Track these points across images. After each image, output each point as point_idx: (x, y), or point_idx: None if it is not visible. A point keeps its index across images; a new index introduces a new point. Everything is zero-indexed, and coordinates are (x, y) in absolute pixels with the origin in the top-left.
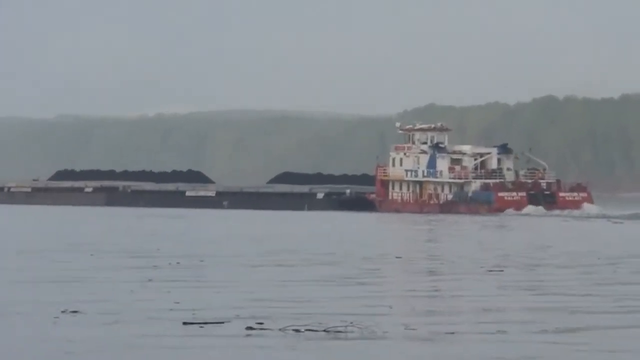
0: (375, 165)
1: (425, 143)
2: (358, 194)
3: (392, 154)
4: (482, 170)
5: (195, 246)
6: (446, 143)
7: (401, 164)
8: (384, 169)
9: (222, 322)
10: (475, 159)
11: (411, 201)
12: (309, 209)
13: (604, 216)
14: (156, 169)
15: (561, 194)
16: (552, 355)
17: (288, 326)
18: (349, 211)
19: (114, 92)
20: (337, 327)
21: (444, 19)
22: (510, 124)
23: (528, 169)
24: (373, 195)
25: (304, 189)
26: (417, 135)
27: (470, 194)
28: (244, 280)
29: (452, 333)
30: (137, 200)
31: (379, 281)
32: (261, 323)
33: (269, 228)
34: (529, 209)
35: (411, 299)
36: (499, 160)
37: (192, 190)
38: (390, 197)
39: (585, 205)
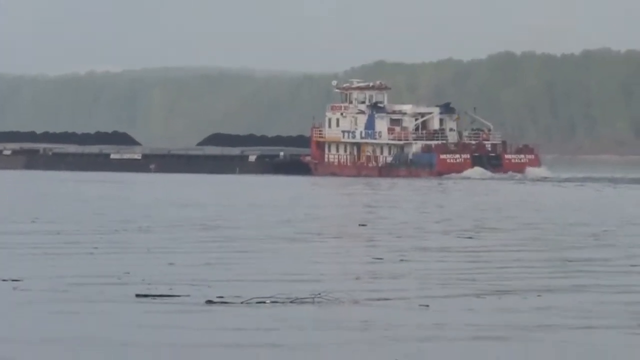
0: (311, 126)
1: (363, 102)
2: (292, 156)
3: (328, 114)
4: (424, 131)
5: (133, 212)
6: (385, 102)
7: (338, 125)
8: (320, 130)
9: (179, 295)
10: (416, 119)
11: (348, 164)
12: (241, 172)
13: (550, 179)
14: (86, 130)
15: (507, 156)
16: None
17: (251, 298)
18: (282, 174)
19: (41, 49)
20: (304, 298)
21: None
22: (464, 82)
23: (472, 130)
24: (308, 158)
25: (235, 151)
26: (355, 95)
27: (410, 157)
28: (192, 248)
29: (427, 305)
30: (58, 164)
31: (339, 249)
32: (221, 297)
33: (203, 193)
34: (473, 171)
35: (378, 268)
36: (441, 121)
37: (117, 153)
38: (326, 160)
39: (532, 168)
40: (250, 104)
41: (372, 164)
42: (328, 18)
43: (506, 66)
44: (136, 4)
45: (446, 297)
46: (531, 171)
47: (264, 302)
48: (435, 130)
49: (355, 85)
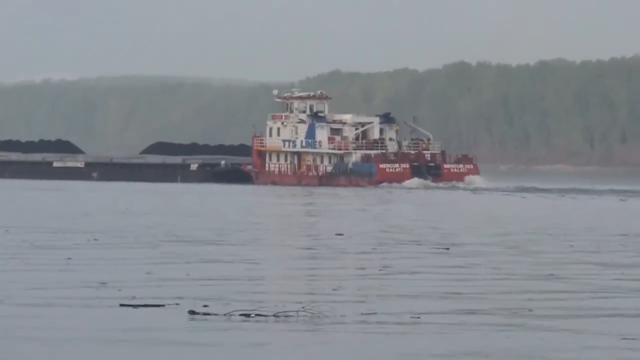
0: (252, 135)
1: (304, 112)
2: (234, 165)
3: (269, 123)
4: (364, 141)
5: (96, 220)
6: (326, 112)
7: (279, 134)
8: (261, 139)
9: (163, 305)
10: (357, 129)
11: (289, 173)
12: (182, 180)
13: (488, 189)
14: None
15: (446, 166)
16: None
17: (235, 310)
18: (223, 183)
19: None
20: (288, 311)
21: None
22: (419, 91)
23: (412, 140)
24: (249, 167)
25: (177, 159)
26: (296, 104)
27: (350, 166)
28: (170, 258)
29: (418, 317)
30: (1, 172)
31: (316, 259)
32: (206, 306)
33: (151, 201)
34: (412, 181)
35: (359, 279)
36: (381, 130)
37: (59, 161)
38: (267, 169)
39: (471, 177)
40: (207, 113)
41: (313, 173)
42: (285, 27)
43: (462, 76)
44: (93, 12)
45: (438, 308)
46: (471, 180)
47: (249, 315)
48: (375, 140)
49: (296, 94)
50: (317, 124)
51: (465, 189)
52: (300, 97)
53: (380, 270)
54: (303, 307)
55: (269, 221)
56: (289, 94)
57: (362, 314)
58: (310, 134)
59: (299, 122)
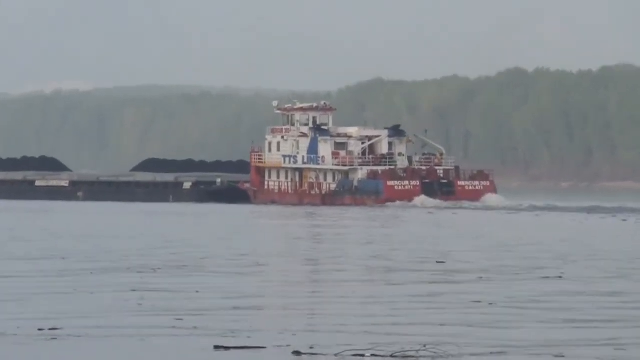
0: (249, 150)
1: (306, 125)
2: (230, 183)
3: (269, 138)
4: (371, 156)
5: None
6: (330, 124)
7: (278, 149)
8: (260, 155)
9: (265, 347)
10: (363, 143)
11: (290, 191)
12: (175, 200)
13: (506, 208)
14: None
15: (460, 183)
16: None
17: (345, 350)
18: (219, 203)
19: (4, 65)
20: (406, 350)
21: None
22: (470, 101)
23: (423, 155)
24: (247, 185)
25: (169, 177)
26: (297, 116)
27: (356, 183)
28: (246, 289)
29: (562, 356)
30: None
31: (424, 290)
32: (311, 347)
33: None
34: (421, 199)
35: (478, 313)
36: (390, 145)
37: (42, 180)
38: (266, 187)
39: (487, 195)
40: (232, 126)
41: (315, 191)
42: (322, 33)
43: (517, 84)
44: (108, 18)
45: (583, 343)
46: (488, 199)
47: (363, 355)
48: (383, 155)
49: (298, 106)
50: (320, 138)
51: (475, 209)
52: (302, 109)
53: (491, 304)
54: (424, 346)
55: (352, 248)
56: (290, 105)
57: (492, 353)
58: (313, 148)
59: (300, 136)
